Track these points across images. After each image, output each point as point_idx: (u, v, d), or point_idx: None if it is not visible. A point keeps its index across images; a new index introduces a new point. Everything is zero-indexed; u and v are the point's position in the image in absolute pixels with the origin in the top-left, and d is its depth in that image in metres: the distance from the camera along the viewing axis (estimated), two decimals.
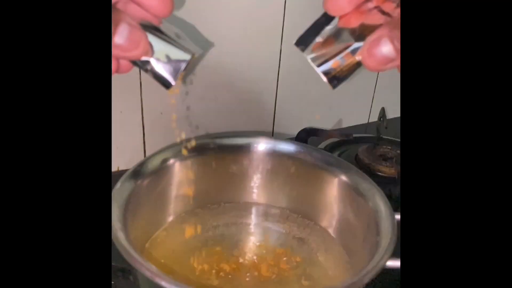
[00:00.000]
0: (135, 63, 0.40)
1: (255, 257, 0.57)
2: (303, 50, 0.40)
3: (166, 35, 0.40)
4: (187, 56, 0.40)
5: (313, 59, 0.40)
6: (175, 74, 0.40)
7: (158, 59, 0.39)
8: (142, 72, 0.70)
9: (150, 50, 0.39)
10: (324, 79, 0.40)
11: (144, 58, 0.39)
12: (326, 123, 0.94)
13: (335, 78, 0.40)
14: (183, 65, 0.40)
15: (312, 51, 0.40)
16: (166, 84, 0.41)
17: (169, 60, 0.40)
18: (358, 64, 0.39)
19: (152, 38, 0.39)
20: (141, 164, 0.53)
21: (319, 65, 0.40)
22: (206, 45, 0.73)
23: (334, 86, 0.40)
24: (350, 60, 0.39)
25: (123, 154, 0.74)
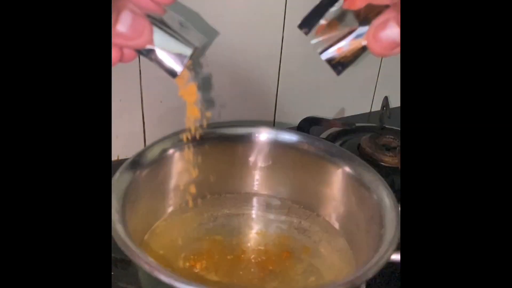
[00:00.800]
0: (140, 51, 0.38)
1: (256, 249, 0.56)
2: (306, 33, 0.39)
3: (169, 26, 0.39)
4: (188, 51, 0.39)
5: (317, 44, 0.39)
6: (181, 63, 0.39)
7: (162, 49, 0.39)
8: (141, 59, 0.69)
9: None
10: (328, 65, 0.39)
11: (148, 47, 0.38)
12: (328, 112, 0.93)
13: (340, 64, 0.38)
14: (187, 57, 0.39)
15: (316, 35, 0.39)
16: (172, 73, 0.40)
17: (172, 51, 0.39)
18: (363, 49, 0.37)
19: (155, 31, 0.38)
20: (140, 154, 0.52)
21: (322, 51, 0.38)
22: (210, 33, 0.71)
23: (338, 73, 0.39)
24: (355, 45, 0.37)
25: (123, 143, 0.73)
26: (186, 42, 0.39)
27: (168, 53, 0.39)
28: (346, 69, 0.39)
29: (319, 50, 0.38)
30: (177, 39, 0.39)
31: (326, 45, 0.38)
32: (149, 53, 0.38)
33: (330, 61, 0.39)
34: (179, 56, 0.39)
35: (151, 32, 0.37)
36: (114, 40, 0.35)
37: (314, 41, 0.38)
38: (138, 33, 0.36)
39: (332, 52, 0.38)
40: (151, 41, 0.37)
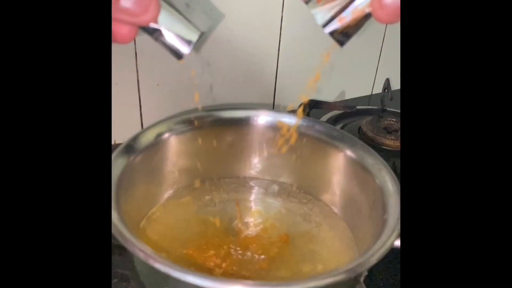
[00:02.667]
0: (144, 29, 0.37)
1: (256, 235, 0.55)
2: (307, 2, 0.37)
3: (175, 7, 0.37)
4: (195, 35, 0.38)
5: (317, 13, 0.37)
6: (187, 44, 0.38)
7: (169, 29, 0.37)
8: (137, 42, 0.67)
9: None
10: (331, 38, 0.37)
11: (153, 25, 0.36)
12: (328, 95, 0.92)
13: (343, 35, 0.37)
14: (193, 41, 0.38)
15: (317, 4, 0.37)
16: (178, 55, 0.38)
17: (179, 32, 0.37)
18: (367, 17, 0.36)
19: (161, 12, 0.36)
20: (134, 139, 0.51)
21: (325, 25, 0.36)
22: (216, 15, 0.70)
23: (342, 44, 0.37)
24: (358, 13, 0.35)
25: (120, 127, 0.71)
26: (192, 24, 0.38)
27: (175, 34, 0.37)
28: (350, 39, 0.37)
29: (321, 22, 0.37)
30: (182, 20, 0.37)
31: (328, 17, 0.36)
32: (153, 32, 0.37)
33: (332, 33, 0.37)
34: (186, 37, 0.38)
35: (157, 9, 0.35)
36: (117, 15, 0.33)
37: (314, 10, 0.36)
38: (144, 9, 0.34)
39: (334, 24, 0.36)
40: (156, 19, 0.36)
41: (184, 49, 0.38)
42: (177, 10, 0.37)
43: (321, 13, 0.36)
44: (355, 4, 0.35)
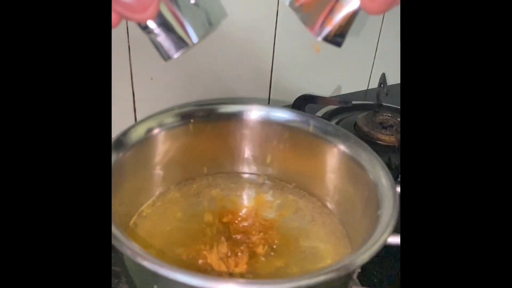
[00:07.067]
0: (139, 25, 0.36)
1: (249, 231, 0.54)
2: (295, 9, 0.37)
3: (180, 8, 0.36)
4: (187, 44, 0.37)
5: (303, 19, 0.36)
6: (176, 50, 0.37)
7: (163, 30, 0.36)
8: (130, 35, 0.67)
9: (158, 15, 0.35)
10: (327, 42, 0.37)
11: (149, 24, 0.35)
12: (324, 90, 0.91)
13: (338, 36, 0.36)
14: (187, 46, 0.37)
15: (301, 9, 0.36)
16: (164, 56, 0.37)
17: (173, 34, 0.37)
18: (356, 11, 0.35)
19: (164, 9, 0.35)
20: (124, 134, 0.50)
21: (317, 33, 0.36)
22: (220, 13, 0.69)
23: (339, 44, 0.37)
24: (346, 12, 0.35)
25: (114, 122, 0.70)
26: (190, 30, 0.37)
27: (168, 35, 0.36)
28: (345, 38, 0.36)
29: (309, 25, 0.36)
30: (179, 26, 0.36)
31: (315, 21, 0.36)
32: (146, 28, 0.36)
33: (326, 37, 0.36)
34: (178, 41, 0.37)
35: (156, 10, 0.34)
36: (115, 7, 0.32)
37: (299, 15, 0.36)
38: (143, 7, 0.33)
39: (326, 29, 0.36)
40: (153, 17, 0.35)
41: (173, 53, 0.37)
42: (180, 6, 0.36)
43: (308, 17, 0.36)
44: (341, 2, 0.34)
